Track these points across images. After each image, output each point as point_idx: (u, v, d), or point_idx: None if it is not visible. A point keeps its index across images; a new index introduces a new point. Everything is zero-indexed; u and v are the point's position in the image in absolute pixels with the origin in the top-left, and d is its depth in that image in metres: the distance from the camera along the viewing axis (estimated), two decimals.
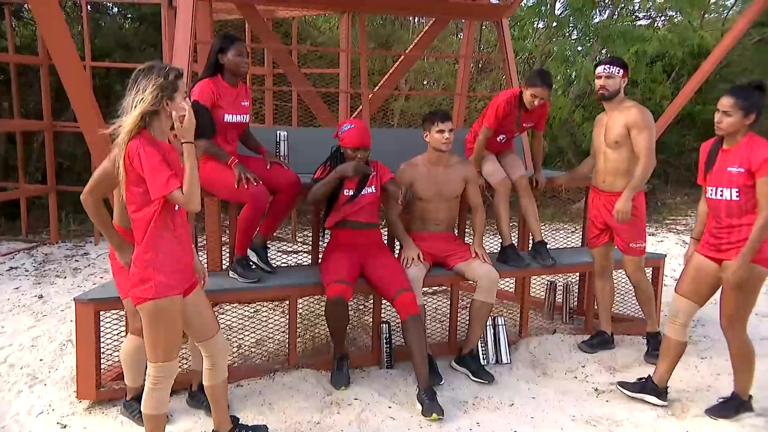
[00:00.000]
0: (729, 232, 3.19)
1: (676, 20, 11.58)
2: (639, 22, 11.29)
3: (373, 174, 3.82)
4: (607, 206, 4.06)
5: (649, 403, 3.50)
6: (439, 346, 4.13)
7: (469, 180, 4.07)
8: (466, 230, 4.64)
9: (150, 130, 2.47)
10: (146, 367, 2.65)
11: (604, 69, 3.91)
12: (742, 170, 3.11)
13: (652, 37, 9.47)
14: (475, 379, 3.77)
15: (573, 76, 10.54)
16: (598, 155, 4.11)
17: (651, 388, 3.52)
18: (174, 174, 2.42)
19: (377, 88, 6.72)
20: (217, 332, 2.79)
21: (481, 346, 4.04)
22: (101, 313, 3.39)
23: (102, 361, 3.43)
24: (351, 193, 3.76)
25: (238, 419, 3.06)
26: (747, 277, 3.13)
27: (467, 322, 4.13)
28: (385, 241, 4.18)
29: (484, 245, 4.11)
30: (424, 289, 3.93)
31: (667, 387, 3.53)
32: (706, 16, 12.55)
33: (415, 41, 6.74)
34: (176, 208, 2.53)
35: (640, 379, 3.62)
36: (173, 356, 2.61)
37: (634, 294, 4.29)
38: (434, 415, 3.29)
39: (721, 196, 3.19)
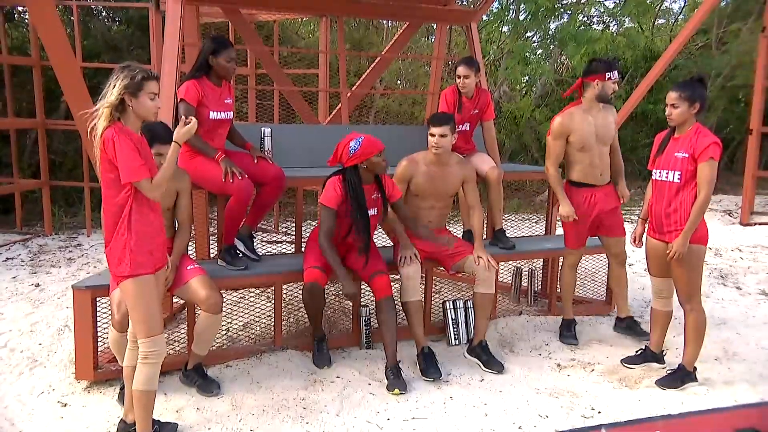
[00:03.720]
0: (668, 216, 3.36)
1: (627, 26, 11.81)
2: (594, 26, 11.49)
3: (376, 196, 3.66)
4: (605, 197, 4.05)
5: (653, 367, 3.68)
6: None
7: (467, 180, 3.97)
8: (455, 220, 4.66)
9: (123, 121, 2.55)
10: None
11: (618, 76, 3.92)
12: (686, 155, 3.28)
13: (600, 38, 9.64)
14: (485, 369, 3.69)
15: (538, 77, 10.66)
16: (591, 152, 3.95)
17: (651, 356, 3.72)
18: (144, 164, 2.50)
19: (355, 87, 6.73)
20: None
21: (453, 327, 4.10)
22: (97, 299, 3.38)
23: (99, 343, 3.42)
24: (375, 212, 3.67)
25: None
26: (687, 255, 3.29)
27: (438, 308, 4.21)
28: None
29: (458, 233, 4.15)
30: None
31: (663, 351, 3.73)
32: (657, 22, 12.79)
33: (390, 43, 6.77)
34: None
35: (637, 351, 3.79)
36: (158, 330, 2.64)
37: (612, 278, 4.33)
38: (396, 390, 3.34)
39: (666, 177, 3.36)
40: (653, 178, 3.46)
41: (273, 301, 3.84)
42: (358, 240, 3.60)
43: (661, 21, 13.14)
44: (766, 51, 8.07)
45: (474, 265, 3.84)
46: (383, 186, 3.66)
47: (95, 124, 2.51)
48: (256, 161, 3.80)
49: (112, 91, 2.51)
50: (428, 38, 11.55)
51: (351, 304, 4.05)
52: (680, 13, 12.70)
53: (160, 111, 2.67)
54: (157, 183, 2.54)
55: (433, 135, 3.79)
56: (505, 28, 11.01)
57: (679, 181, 3.30)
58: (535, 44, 11.15)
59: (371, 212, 3.65)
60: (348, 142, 3.52)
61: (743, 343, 4.12)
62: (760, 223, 8.26)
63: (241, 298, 4.83)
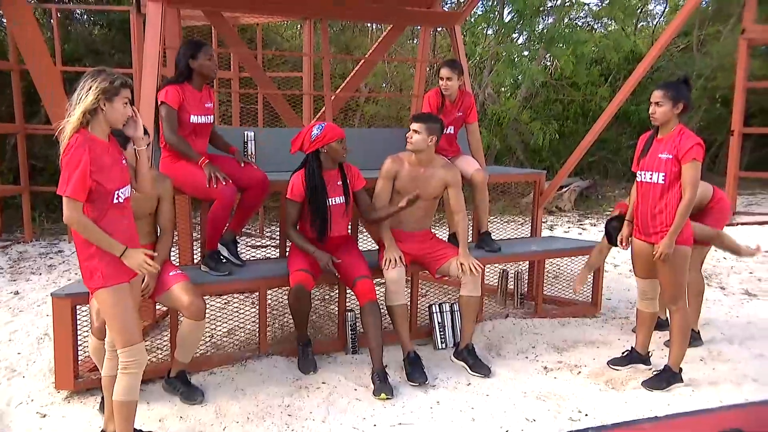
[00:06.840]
0: (653, 217, 3.37)
1: (611, 28, 11.90)
2: (579, 28, 11.55)
3: (340, 183, 3.71)
4: None
5: (640, 369, 3.70)
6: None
7: (451, 184, 3.89)
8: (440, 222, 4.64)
9: (90, 128, 2.47)
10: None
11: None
12: (670, 157, 3.29)
13: (588, 40, 9.69)
14: (472, 372, 3.66)
15: (520, 78, 10.69)
16: None
17: (637, 358, 3.73)
18: (80, 185, 2.36)
19: (339, 90, 6.71)
20: None
21: (440, 331, 4.08)
22: (77, 307, 3.33)
23: (79, 352, 3.36)
24: (341, 201, 3.72)
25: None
26: (673, 257, 3.31)
27: (425, 312, 4.19)
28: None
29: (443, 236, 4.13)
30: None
31: (648, 352, 3.75)
32: (639, 24, 12.91)
33: (374, 46, 6.75)
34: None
35: (624, 353, 3.79)
36: (136, 339, 2.58)
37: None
38: (383, 395, 3.32)
39: (651, 179, 3.37)
40: (638, 179, 3.46)
41: (257, 307, 3.80)
42: (314, 227, 3.68)
43: (642, 24, 13.27)
44: (745, 53, 8.16)
45: (459, 269, 3.83)
46: (346, 174, 3.75)
47: (63, 128, 2.42)
48: (243, 165, 3.77)
49: (88, 94, 2.42)
50: (413, 41, 11.56)
51: (336, 308, 4.02)
52: (662, 16, 12.82)
53: (141, 114, 2.63)
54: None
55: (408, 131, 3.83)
56: (489, 31, 11.04)
57: (663, 182, 3.31)
58: (521, 45, 11.19)
59: (337, 200, 3.71)
60: (310, 128, 3.66)
61: (727, 343, 4.15)
62: (743, 223, 8.34)
63: (225, 303, 4.79)
